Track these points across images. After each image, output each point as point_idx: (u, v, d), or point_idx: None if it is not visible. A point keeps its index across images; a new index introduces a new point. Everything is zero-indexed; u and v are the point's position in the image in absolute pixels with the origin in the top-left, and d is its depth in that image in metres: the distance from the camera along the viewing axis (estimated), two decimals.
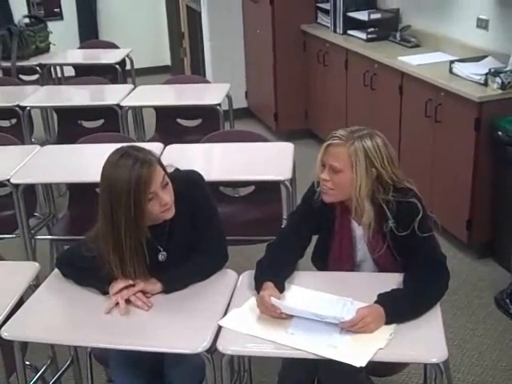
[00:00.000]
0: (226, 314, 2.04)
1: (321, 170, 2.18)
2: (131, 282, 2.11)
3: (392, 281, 2.11)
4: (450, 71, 3.72)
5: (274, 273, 2.13)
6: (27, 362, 2.29)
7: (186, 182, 2.23)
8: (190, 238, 2.24)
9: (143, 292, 2.12)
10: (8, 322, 2.03)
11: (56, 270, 2.29)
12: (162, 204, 2.07)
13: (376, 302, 1.97)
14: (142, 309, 2.08)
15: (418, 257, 2.10)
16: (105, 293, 2.14)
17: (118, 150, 2.09)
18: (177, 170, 2.25)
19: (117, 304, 2.08)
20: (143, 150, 2.10)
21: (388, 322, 1.93)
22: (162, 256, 2.23)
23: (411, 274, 2.09)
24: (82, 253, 2.16)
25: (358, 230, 2.24)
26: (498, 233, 3.61)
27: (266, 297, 2.00)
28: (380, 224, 2.14)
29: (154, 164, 2.05)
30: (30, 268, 2.37)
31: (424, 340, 1.87)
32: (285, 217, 3.17)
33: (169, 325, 2.02)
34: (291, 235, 2.29)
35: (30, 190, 3.29)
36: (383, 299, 1.98)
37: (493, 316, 3.26)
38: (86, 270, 2.19)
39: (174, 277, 2.18)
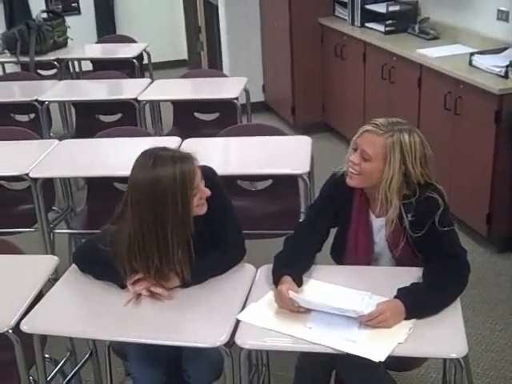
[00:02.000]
0: (244, 308, 2.04)
1: (351, 153, 2.16)
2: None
3: (411, 275, 2.10)
4: (470, 63, 3.68)
5: (291, 267, 2.12)
6: (46, 355, 2.31)
7: (203, 177, 2.22)
8: (204, 232, 2.23)
9: (163, 286, 2.12)
10: (28, 316, 2.05)
11: (74, 264, 2.30)
12: (204, 197, 2.11)
13: (396, 297, 1.95)
14: (162, 295, 2.07)
15: (439, 251, 2.08)
16: (123, 286, 2.14)
17: (146, 152, 2.09)
18: None
19: (138, 296, 2.08)
20: (171, 149, 2.11)
21: (408, 318, 1.91)
22: None
23: (431, 269, 2.07)
24: (98, 246, 2.16)
25: (375, 223, 2.23)
26: None
27: (283, 291, 1.99)
28: (400, 219, 2.12)
29: (192, 158, 2.08)
30: (49, 261, 2.38)
31: (444, 335, 1.86)
32: (302, 210, 3.16)
33: (187, 319, 2.02)
34: (309, 229, 2.28)
35: (48, 184, 3.30)
36: (403, 294, 1.96)
37: None
38: (103, 264, 2.19)
39: (192, 271, 2.18)
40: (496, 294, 3.37)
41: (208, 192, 2.13)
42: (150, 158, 2.05)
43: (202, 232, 2.20)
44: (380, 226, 2.22)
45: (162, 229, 2.04)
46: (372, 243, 2.25)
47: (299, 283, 2.09)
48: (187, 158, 2.07)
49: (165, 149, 2.10)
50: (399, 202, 2.10)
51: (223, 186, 2.32)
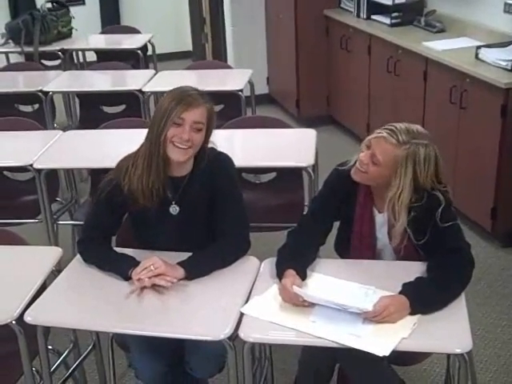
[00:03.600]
0: (247, 301, 2.03)
1: (363, 150, 2.12)
2: (152, 267, 2.10)
3: (414, 269, 2.09)
4: (476, 57, 3.66)
5: (295, 260, 2.12)
6: (50, 347, 2.30)
7: (217, 161, 2.28)
8: (205, 209, 2.27)
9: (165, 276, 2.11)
10: (31, 307, 2.04)
11: (78, 256, 2.30)
12: (180, 137, 2.14)
13: (400, 292, 1.95)
14: (165, 286, 2.07)
15: (442, 246, 2.07)
16: (127, 278, 2.14)
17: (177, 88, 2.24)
18: (212, 148, 2.30)
19: (142, 289, 2.08)
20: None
21: (412, 313, 1.90)
22: (173, 209, 2.26)
23: (435, 263, 2.06)
24: (100, 237, 2.25)
25: (378, 218, 2.21)
26: None
27: (288, 285, 1.99)
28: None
29: (201, 103, 2.17)
30: (53, 253, 2.37)
31: (448, 330, 1.85)
32: (307, 203, 3.15)
33: (191, 311, 2.01)
34: (312, 221, 2.27)
35: (52, 175, 3.30)
36: (408, 289, 1.95)
37: None
38: (107, 255, 2.22)
39: (196, 262, 2.17)
40: (500, 288, 3.36)
41: (186, 137, 2.15)
42: (176, 88, 2.22)
43: (204, 208, 2.26)
44: (383, 221, 2.21)
45: (147, 145, 2.18)
46: (375, 239, 2.24)
47: (303, 277, 2.08)
48: (200, 99, 2.17)
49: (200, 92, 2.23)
50: (406, 216, 2.07)
51: (237, 178, 2.35)
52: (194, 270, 2.15)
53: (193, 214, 2.28)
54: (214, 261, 2.21)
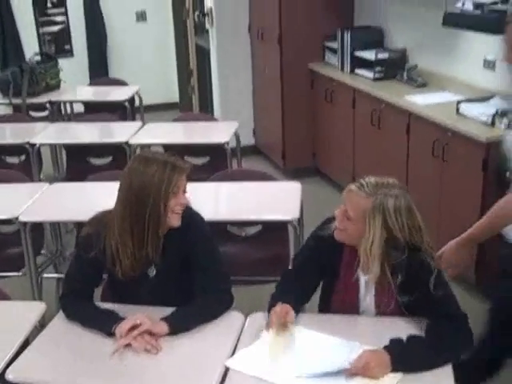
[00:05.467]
0: (232, 356, 2.02)
1: (341, 206, 2.12)
2: (138, 321, 2.10)
3: (402, 325, 2.09)
4: (457, 111, 3.74)
5: (287, 297, 2.14)
6: None
7: (189, 223, 2.29)
8: (180, 269, 2.29)
9: (150, 333, 2.10)
10: (13, 364, 2.02)
11: (61, 311, 2.28)
12: (180, 204, 2.20)
13: (384, 347, 1.94)
14: (151, 352, 2.05)
15: (435, 314, 2.04)
16: (109, 334, 2.13)
17: (146, 151, 2.31)
18: (186, 207, 2.31)
19: (126, 346, 2.06)
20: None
21: (393, 370, 1.89)
22: (151, 271, 2.28)
23: (430, 327, 2.04)
24: (78, 274, 2.28)
25: (362, 280, 2.19)
26: None
27: (278, 306, 2.04)
28: (388, 279, 2.08)
29: (184, 163, 2.23)
30: (36, 308, 2.35)
31: None
32: (292, 256, 3.15)
33: (174, 369, 2.00)
34: (299, 271, 2.28)
35: (37, 227, 3.29)
36: (392, 345, 1.95)
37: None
38: (89, 311, 2.22)
39: (180, 318, 2.17)
40: None
41: (187, 201, 2.23)
42: (145, 155, 2.25)
43: (179, 270, 2.27)
44: (367, 284, 2.18)
45: (140, 218, 2.17)
46: (358, 301, 2.22)
47: (296, 310, 2.11)
48: (177, 166, 2.19)
49: (161, 153, 2.30)
50: (379, 268, 2.05)
51: (210, 234, 2.36)
52: (178, 326, 2.14)
53: (169, 274, 2.30)
54: (198, 316, 2.20)
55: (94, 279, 2.34)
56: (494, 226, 2.33)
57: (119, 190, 2.23)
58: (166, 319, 2.14)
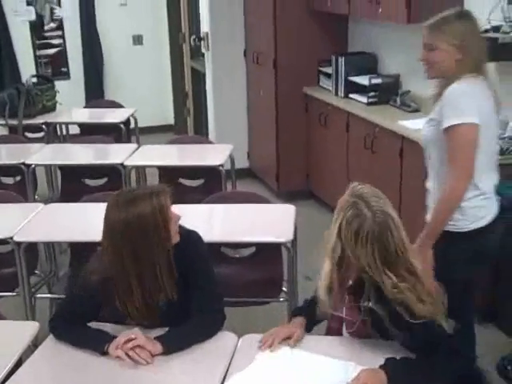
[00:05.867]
0: (225, 377, 2.02)
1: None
2: (132, 335, 2.12)
3: (394, 347, 2.09)
4: None
5: (310, 311, 2.23)
6: None
7: (187, 240, 2.30)
8: (181, 289, 2.27)
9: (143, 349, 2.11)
10: (6, 383, 2.01)
11: None
12: (178, 222, 2.23)
13: (381, 366, 1.95)
14: (142, 363, 2.06)
15: (423, 339, 2.00)
16: (103, 353, 2.13)
17: (119, 194, 2.22)
18: (181, 226, 2.32)
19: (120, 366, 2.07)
20: (142, 186, 2.20)
21: None
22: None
23: (422, 351, 2.02)
24: (73, 312, 2.23)
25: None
26: (500, 298, 3.59)
27: (284, 331, 2.14)
28: (358, 296, 2.07)
29: (165, 188, 2.23)
30: (30, 328, 2.35)
31: None
32: (286, 278, 3.17)
33: None
34: None
35: (31, 247, 3.30)
36: (388, 365, 1.96)
37: (494, 382, 3.21)
38: (80, 332, 2.22)
39: (174, 338, 2.18)
40: (477, 365, 3.35)
41: (179, 215, 2.24)
42: (124, 198, 2.17)
43: (179, 296, 2.25)
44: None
45: (147, 262, 2.14)
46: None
47: (309, 328, 2.23)
48: (161, 191, 2.20)
49: (137, 188, 2.24)
50: (330, 265, 2.06)
51: (207, 253, 2.38)
52: (172, 345, 2.15)
53: (174, 307, 2.26)
54: (192, 336, 2.21)
55: (91, 315, 2.30)
56: (442, 220, 2.55)
57: (114, 246, 2.17)
58: (159, 339, 2.15)
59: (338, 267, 2.03)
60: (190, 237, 2.33)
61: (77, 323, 2.24)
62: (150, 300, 2.20)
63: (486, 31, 3.57)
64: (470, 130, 2.44)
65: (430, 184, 2.68)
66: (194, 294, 2.28)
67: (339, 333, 2.23)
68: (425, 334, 1.97)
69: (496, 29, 3.56)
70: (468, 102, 2.47)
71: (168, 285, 2.19)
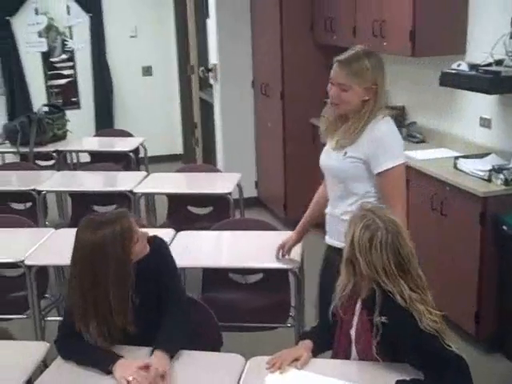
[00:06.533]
0: None
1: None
2: (142, 363, 2.15)
3: (403, 371, 2.10)
4: (455, 167, 3.83)
5: (317, 336, 2.27)
6: None
7: (154, 247, 2.41)
8: (155, 289, 2.38)
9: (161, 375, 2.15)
10: None
11: None
12: (145, 239, 2.32)
13: None
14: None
15: (427, 355, 2.03)
16: (108, 372, 2.17)
17: (85, 220, 2.29)
18: (149, 237, 2.42)
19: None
20: (107, 212, 2.37)
21: None
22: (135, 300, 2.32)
23: (429, 373, 2.04)
24: (75, 333, 2.27)
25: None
26: (506, 326, 3.60)
27: (290, 354, 2.19)
28: (370, 313, 2.11)
29: (126, 213, 2.31)
30: (40, 348, 2.39)
31: None
32: (293, 305, 3.19)
33: None
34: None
35: (42, 271, 3.34)
36: None
37: None
38: (84, 352, 2.26)
39: (170, 340, 2.28)
40: None
41: (147, 232, 2.35)
42: (88, 224, 2.26)
43: (154, 288, 2.36)
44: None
45: (102, 287, 2.20)
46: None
47: (315, 353, 2.24)
48: (121, 216, 2.27)
49: (101, 214, 2.35)
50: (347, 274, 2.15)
51: (172, 256, 2.50)
52: (173, 348, 2.26)
53: (150, 300, 2.38)
54: (181, 329, 2.33)
55: None
56: (313, 214, 3.08)
57: (78, 270, 2.25)
58: (159, 348, 2.22)
59: (354, 278, 2.12)
60: (155, 243, 2.44)
61: (80, 340, 2.28)
62: (105, 326, 2.24)
63: (489, 65, 3.65)
64: (403, 169, 2.63)
65: (337, 211, 2.75)
66: (166, 293, 2.39)
67: (347, 351, 2.25)
68: (434, 349, 2.01)
69: (499, 62, 3.63)
70: (398, 142, 2.64)
71: (121, 313, 2.23)
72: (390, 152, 2.57)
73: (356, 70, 2.59)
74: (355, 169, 2.61)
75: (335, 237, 2.72)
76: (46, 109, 5.93)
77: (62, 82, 7.68)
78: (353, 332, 2.21)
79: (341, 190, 2.69)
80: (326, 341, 2.30)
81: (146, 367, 2.15)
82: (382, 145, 2.56)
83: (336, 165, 2.67)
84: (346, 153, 2.62)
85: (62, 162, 5.55)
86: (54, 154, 5.45)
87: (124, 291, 2.23)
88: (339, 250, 2.53)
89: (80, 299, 2.23)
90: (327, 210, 2.84)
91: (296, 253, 3.10)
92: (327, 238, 2.82)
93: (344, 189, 2.68)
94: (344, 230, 2.47)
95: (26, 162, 5.28)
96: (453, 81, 3.83)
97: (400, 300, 2.03)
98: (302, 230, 3.06)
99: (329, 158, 2.73)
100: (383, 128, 2.59)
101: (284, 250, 3.01)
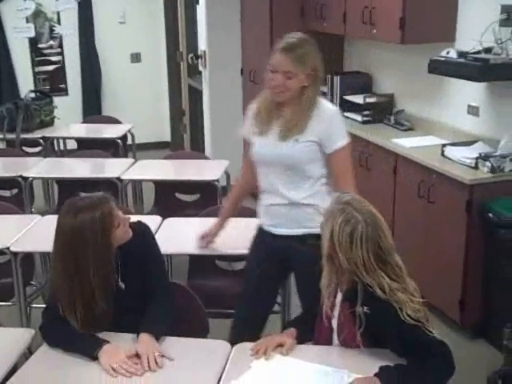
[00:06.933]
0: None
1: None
2: (130, 352, 2.16)
3: (388, 355, 2.11)
4: (442, 154, 3.84)
5: (301, 325, 2.29)
6: None
7: (138, 232, 2.41)
8: (139, 274, 2.39)
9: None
10: None
11: None
12: (127, 223, 2.32)
13: (375, 374, 1.99)
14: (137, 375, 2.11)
15: (414, 346, 2.05)
16: (93, 358, 2.17)
17: (66, 204, 2.29)
18: (132, 222, 2.43)
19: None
20: (89, 196, 2.34)
21: None
22: (120, 284, 2.34)
23: (412, 358, 2.05)
24: (60, 318, 2.28)
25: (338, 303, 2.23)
26: (490, 313, 3.63)
27: (274, 340, 2.20)
28: (352, 305, 2.12)
29: (107, 198, 2.30)
30: (25, 335, 2.38)
31: None
32: (279, 292, 3.19)
33: None
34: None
35: (28, 258, 3.33)
36: (382, 373, 1.99)
37: None
38: (69, 337, 2.26)
39: (155, 322, 2.29)
40: (468, 380, 3.37)
41: (129, 217, 2.35)
42: (69, 208, 2.25)
43: (139, 273, 2.37)
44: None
45: (85, 272, 2.20)
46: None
47: (299, 340, 2.25)
48: (103, 201, 2.26)
49: (83, 198, 2.32)
50: (329, 268, 2.14)
51: (155, 241, 2.52)
52: (157, 329, 2.27)
53: (136, 284, 2.39)
54: (164, 313, 2.34)
55: None
56: (235, 207, 3.09)
57: (60, 255, 2.27)
58: (145, 331, 2.23)
59: (335, 272, 2.12)
60: (139, 228, 2.44)
61: (65, 325, 2.27)
62: (89, 311, 2.24)
63: (478, 52, 3.65)
64: (350, 148, 2.66)
65: (294, 198, 2.67)
66: (151, 278, 2.40)
67: (328, 341, 2.26)
68: (417, 336, 2.02)
69: (488, 50, 3.63)
70: (343, 121, 2.68)
71: (102, 301, 2.25)
72: (341, 131, 2.63)
73: (300, 56, 2.58)
74: (310, 152, 2.61)
75: (295, 225, 2.67)
76: (33, 95, 5.88)
77: (50, 68, 7.61)
78: (334, 323, 2.22)
79: (289, 176, 2.65)
80: (310, 329, 2.31)
81: (136, 355, 2.15)
82: (334, 124, 2.61)
83: (286, 152, 2.62)
84: (297, 139, 2.60)
85: (49, 148, 5.52)
86: (41, 141, 5.42)
87: (106, 276, 2.24)
88: (301, 238, 2.61)
89: (64, 283, 2.23)
90: (270, 201, 2.74)
91: None
92: (283, 230, 2.71)
93: (294, 174, 2.64)
94: (308, 214, 2.56)
95: (13, 149, 5.25)
96: (441, 68, 3.83)
97: (380, 292, 2.03)
98: (223, 223, 3.07)
99: (274, 148, 2.65)
100: (331, 108, 2.66)
101: (207, 239, 3.05)
